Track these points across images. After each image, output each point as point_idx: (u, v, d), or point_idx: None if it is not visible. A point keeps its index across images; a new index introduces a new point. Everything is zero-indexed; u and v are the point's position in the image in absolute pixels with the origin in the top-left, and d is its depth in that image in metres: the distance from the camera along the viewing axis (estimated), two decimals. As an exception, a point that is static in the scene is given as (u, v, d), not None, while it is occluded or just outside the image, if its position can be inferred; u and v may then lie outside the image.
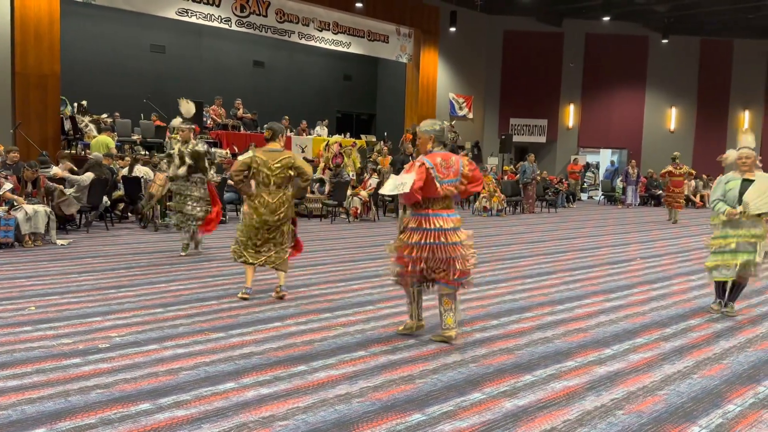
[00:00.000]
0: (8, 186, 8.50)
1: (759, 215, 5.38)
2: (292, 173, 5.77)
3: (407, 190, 4.37)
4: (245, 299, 5.68)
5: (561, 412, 3.39)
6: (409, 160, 13.44)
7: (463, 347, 4.47)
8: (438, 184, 4.44)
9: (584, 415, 3.37)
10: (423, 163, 4.47)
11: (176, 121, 8.25)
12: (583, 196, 23.23)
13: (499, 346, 4.52)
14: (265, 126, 6.16)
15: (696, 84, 24.09)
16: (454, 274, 4.47)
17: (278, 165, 5.71)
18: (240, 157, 6.18)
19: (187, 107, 8.11)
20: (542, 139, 23.81)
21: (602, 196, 21.99)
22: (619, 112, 23.96)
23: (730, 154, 5.65)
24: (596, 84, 23.72)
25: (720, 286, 5.75)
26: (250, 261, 5.77)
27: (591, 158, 25.65)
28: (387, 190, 4.54)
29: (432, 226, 4.46)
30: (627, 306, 5.93)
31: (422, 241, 4.46)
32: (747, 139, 5.57)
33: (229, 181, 9.99)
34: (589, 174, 24.30)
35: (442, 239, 4.45)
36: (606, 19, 21.91)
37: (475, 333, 4.84)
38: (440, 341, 4.56)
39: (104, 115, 14.40)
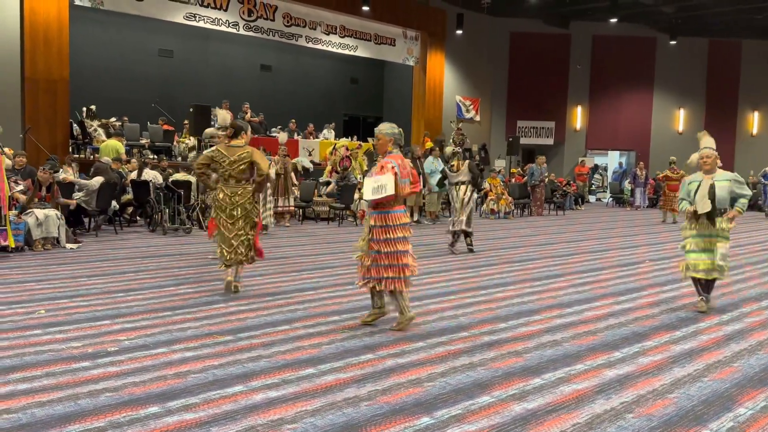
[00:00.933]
0: (20, 187, 8.55)
1: (711, 217, 5.60)
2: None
3: (391, 191, 4.72)
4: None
5: (570, 416, 3.37)
6: (417, 163, 13.48)
7: (471, 350, 4.45)
8: (401, 184, 4.84)
9: (594, 418, 3.35)
10: (393, 166, 4.84)
11: (211, 130, 8.59)
12: (591, 198, 23.15)
13: (507, 349, 4.51)
14: (229, 123, 6.60)
15: (704, 85, 23.97)
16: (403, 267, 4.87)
17: (235, 159, 6.01)
18: (205, 152, 6.63)
19: (223, 116, 8.64)
20: (550, 141, 23.75)
21: (610, 198, 21.91)
22: (627, 114, 23.88)
23: (694, 157, 5.95)
24: (604, 86, 23.64)
25: (697, 283, 5.91)
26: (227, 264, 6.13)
27: (599, 160, 25.57)
28: (368, 194, 4.81)
29: (397, 222, 4.83)
30: (636, 309, 5.90)
31: (390, 236, 4.81)
32: (707, 141, 5.85)
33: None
34: (596, 176, 24.22)
35: (399, 234, 4.84)
36: (613, 20, 21.82)
37: (484, 336, 4.82)
38: (399, 330, 4.87)
39: (113, 119, 14.49)
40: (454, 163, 9.31)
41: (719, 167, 5.86)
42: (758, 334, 5.11)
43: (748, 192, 5.73)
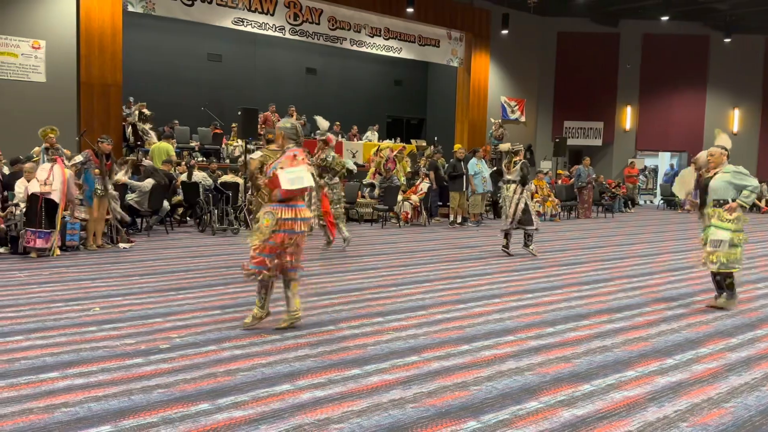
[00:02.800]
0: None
1: (716, 213, 5.78)
2: None
3: (309, 183, 4.80)
4: None
5: (621, 423, 3.29)
6: (460, 165, 13.41)
7: (518, 354, 4.40)
8: None
9: (646, 426, 3.27)
10: (303, 158, 4.90)
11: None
12: (640, 201, 22.58)
13: (555, 354, 4.43)
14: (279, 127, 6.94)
15: (761, 84, 23.08)
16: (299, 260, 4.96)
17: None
18: (255, 155, 6.89)
19: (323, 123, 9.33)
20: (598, 142, 23.27)
21: (662, 201, 21.32)
22: (679, 114, 23.20)
23: (702, 155, 6.23)
24: (654, 85, 23.02)
25: (713, 279, 6.07)
26: None
27: (649, 161, 24.91)
28: (287, 185, 4.76)
29: (301, 216, 4.85)
30: (689, 314, 5.72)
31: (295, 229, 4.81)
32: (721, 139, 5.99)
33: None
34: (641, 178, 23.60)
35: (303, 228, 4.89)
36: (664, 18, 21.26)
37: (530, 341, 4.76)
38: (289, 326, 4.87)
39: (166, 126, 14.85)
40: (512, 160, 9.25)
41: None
42: (821, 343, 4.89)
43: (751, 183, 5.72)
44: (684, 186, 6.59)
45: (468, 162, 13.73)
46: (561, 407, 3.49)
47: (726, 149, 5.90)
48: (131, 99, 14.66)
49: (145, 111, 14.41)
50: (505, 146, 9.71)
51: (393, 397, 3.57)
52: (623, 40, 22.94)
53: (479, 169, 13.55)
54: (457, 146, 14.53)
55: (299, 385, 3.71)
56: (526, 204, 9.14)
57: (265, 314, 4.98)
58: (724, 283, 5.91)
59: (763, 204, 20.04)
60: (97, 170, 8.77)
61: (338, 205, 9.48)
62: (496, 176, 9.80)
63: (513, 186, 9.16)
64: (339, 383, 3.76)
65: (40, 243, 8.03)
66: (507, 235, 9.23)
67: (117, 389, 3.59)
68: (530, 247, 9.20)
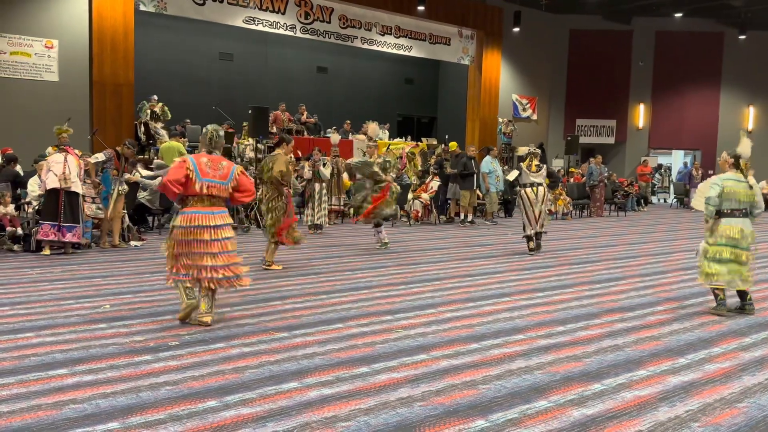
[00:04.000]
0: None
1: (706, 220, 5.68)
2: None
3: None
4: None
5: (632, 423, 3.25)
6: (471, 163, 13.36)
7: (528, 353, 4.36)
8: (199, 182, 4.78)
9: (657, 426, 3.22)
10: (185, 161, 4.89)
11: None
12: (654, 199, 22.40)
13: (566, 353, 4.39)
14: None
15: (776, 81, 22.82)
16: (216, 270, 4.82)
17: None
18: (284, 160, 7.32)
19: (374, 130, 10.09)
20: (611, 140, 23.10)
21: (675, 200, 21.13)
22: (692, 112, 22.97)
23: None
24: (668, 83, 22.80)
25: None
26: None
27: (662, 160, 24.70)
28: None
29: (200, 223, 4.78)
30: (702, 314, 5.65)
31: (190, 237, 4.80)
32: (742, 143, 5.79)
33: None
34: (657, 176, 23.40)
35: (206, 236, 4.79)
36: (678, 15, 21.06)
37: (540, 339, 4.71)
38: (196, 324, 4.84)
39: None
40: (532, 162, 9.23)
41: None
42: (837, 342, 4.81)
43: (706, 195, 5.59)
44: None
45: (480, 160, 13.69)
46: (571, 406, 3.45)
47: (734, 157, 5.68)
48: (155, 97, 14.72)
49: (157, 110, 14.47)
50: (524, 148, 9.74)
51: (401, 395, 3.55)
52: (636, 37, 22.75)
53: (493, 167, 13.51)
54: (452, 145, 14.36)
55: (307, 383, 3.70)
56: (525, 210, 9.18)
57: (194, 303, 4.87)
58: (714, 292, 5.70)
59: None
60: (115, 171, 8.81)
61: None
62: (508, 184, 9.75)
63: (542, 189, 9.12)
64: (347, 381, 3.74)
65: (69, 237, 8.04)
66: (531, 238, 9.14)
67: (125, 386, 3.60)
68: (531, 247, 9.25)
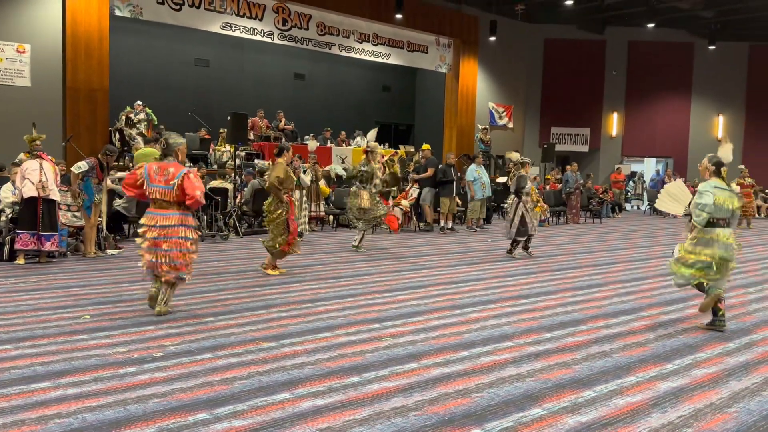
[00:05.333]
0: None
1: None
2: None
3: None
4: None
5: (627, 430, 3.26)
6: (450, 171, 13.42)
7: (518, 360, 4.36)
8: (147, 187, 5.39)
9: (651, 432, 3.24)
10: (141, 167, 5.50)
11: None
12: (627, 206, 22.74)
13: (555, 360, 4.40)
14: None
15: (744, 91, 23.37)
16: (172, 265, 5.37)
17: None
18: (283, 167, 7.48)
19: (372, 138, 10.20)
20: (585, 148, 23.42)
21: (648, 206, 21.48)
22: (664, 121, 23.42)
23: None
24: (640, 92, 23.22)
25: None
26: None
27: (635, 167, 25.11)
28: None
29: (152, 223, 5.38)
30: (685, 319, 5.73)
31: (148, 235, 5.40)
32: (723, 149, 5.58)
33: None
34: (631, 183, 23.77)
35: (162, 234, 5.34)
36: (650, 26, 21.47)
37: (529, 346, 4.72)
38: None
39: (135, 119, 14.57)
40: (521, 172, 9.64)
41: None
42: (816, 347, 4.90)
43: (698, 200, 5.27)
44: (679, 201, 5.74)
45: (459, 168, 13.75)
46: (565, 414, 3.45)
47: (716, 164, 5.44)
48: (139, 103, 14.49)
49: (132, 116, 14.26)
50: (515, 155, 10.08)
51: (395, 404, 3.51)
52: (609, 47, 23.14)
53: (478, 175, 13.57)
54: (425, 146, 14.31)
55: (298, 394, 3.64)
56: (522, 215, 9.48)
57: (154, 293, 5.44)
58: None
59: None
60: (96, 180, 8.62)
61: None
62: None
63: (511, 197, 9.70)
64: (339, 391, 3.70)
65: (48, 246, 7.89)
66: (513, 242, 9.64)
67: (112, 399, 3.50)
68: (528, 250, 9.79)
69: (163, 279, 5.39)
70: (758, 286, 7.54)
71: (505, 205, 9.80)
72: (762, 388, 3.94)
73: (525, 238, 9.68)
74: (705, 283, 5.34)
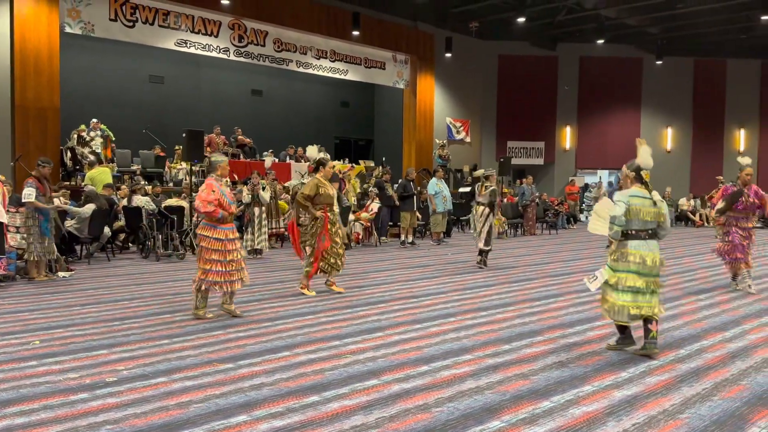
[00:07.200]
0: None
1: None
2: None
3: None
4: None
5: (583, 439, 3.31)
6: (410, 185, 13.52)
7: (477, 373, 4.39)
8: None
9: (607, 441, 3.29)
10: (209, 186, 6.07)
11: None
12: (582, 217, 23.22)
13: (513, 371, 4.44)
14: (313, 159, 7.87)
15: (691, 104, 24.28)
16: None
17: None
18: (313, 183, 7.44)
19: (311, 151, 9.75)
20: (540, 161, 23.89)
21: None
22: (615, 133, 24.08)
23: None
24: (592, 106, 23.87)
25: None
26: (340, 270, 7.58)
27: (589, 179, 25.70)
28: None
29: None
30: (637, 328, 5.83)
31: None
32: (641, 152, 5.08)
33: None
34: (587, 193, 24.31)
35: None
36: (600, 42, 22.15)
37: (488, 359, 4.76)
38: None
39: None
40: (484, 185, 10.08)
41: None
42: (762, 350, 5.08)
43: (611, 214, 4.84)
44: (605, 220, 4.96)
45: (419, 183, 13.86)
46: (523, 425, 3.48)
47: (635, 170, 4.99)
48: (94, 120, 14.18)
49: (84, 135, 13.94)
50: (479, 172, 10.79)
51: (354, 423, 3.49)
52: (561, 62, 23.74)
53: (440, 188, 13.69)
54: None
55: (256, 416, 3.59)
56: (491, 226, 9.93)
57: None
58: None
59: (696, 218, 20.93)
60: (44, 196, 8.36)
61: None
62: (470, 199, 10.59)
63: (481, 208, 9.91)
64: (298, 411, 3.65)
65: None
66: (484, 253, 9.95)
67: (61, 427, 3.38)
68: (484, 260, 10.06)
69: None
70: (708, 293, 7.77)
71: (474, 217, 10.07)
72: (712, 393, 4.05)
73: (489, 248, 9.93)
74: (636, 312, 4.77)
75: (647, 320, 4.84)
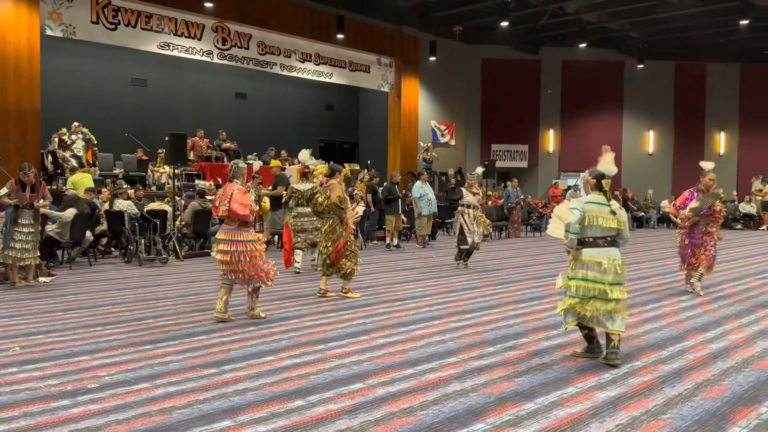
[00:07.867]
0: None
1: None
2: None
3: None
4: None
5: (567, 441, 3.33)
6: (395, 188, 13.53)
7: (462, 376, 4.40)
8: (219, 207, 6.17)
9: (590, 442, 3.31)
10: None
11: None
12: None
13: (498, 374, 4.46)
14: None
15: (672, 107, 24.58)
16: (245, 273, 6.13)
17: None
18: (341, 187, 7.72)
19: (304, 155, 10.19)
20: (524, 164, 24.04)
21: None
22: (598, 136, 24.22)
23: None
24: (574, 109, 24.08)
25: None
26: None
27: (572, 182, 25.91)
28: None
29: (222, 237, 6.17)
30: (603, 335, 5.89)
31: (220, 247, 6.17)
32: (604, 159, 4.98)
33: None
34: (568, 193, 24.54)
35: (231, 248, 6.08)
36: (582, 46, 22.36)
37: (473, 361, 4.77)
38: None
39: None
40: (477, 187, 10.44)
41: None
42: (743, 351, 5.14)
43: (567, 221, 4.82)
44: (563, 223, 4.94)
45: (404, 186, 13.88)
46: (507, 427, 3.49)
47: (597, 177, 4.87)
48: (76, 123, 14.03)
49: (66, 138, 13.79)
50: (479, 169, 11.26)
51: (339, 427, 3.48)
52: (544, 66, 23.93)
53: (424, 191, 13.71)
54: (274, 162, 14.06)
55: (240, 421, 3.56)
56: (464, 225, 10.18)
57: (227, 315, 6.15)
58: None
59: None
60: (16, 200, 8.23)
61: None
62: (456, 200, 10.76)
63: (472, 211, 10.22)
64: (282, 416, 3.64)
65: None
66: (469, 253, 10.25)
67: (41, 435, 3.34)
68: (466, 262, 10.31)
69: (247, 289, 6.21)
70: (690, 294, 7.85)
71: (465, 221, 10.22)
72: (694, 393, 4.09)
73: (468, 248, 10.14)
74: (581, 310, 4.73)
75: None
